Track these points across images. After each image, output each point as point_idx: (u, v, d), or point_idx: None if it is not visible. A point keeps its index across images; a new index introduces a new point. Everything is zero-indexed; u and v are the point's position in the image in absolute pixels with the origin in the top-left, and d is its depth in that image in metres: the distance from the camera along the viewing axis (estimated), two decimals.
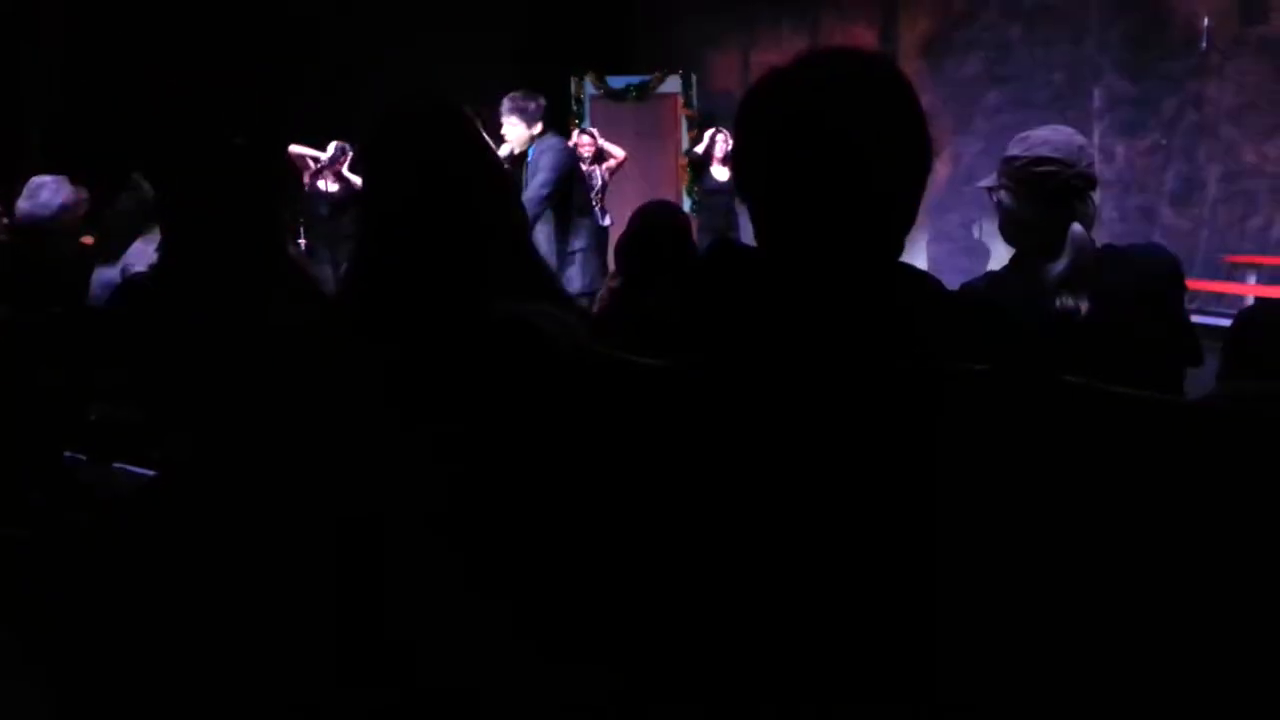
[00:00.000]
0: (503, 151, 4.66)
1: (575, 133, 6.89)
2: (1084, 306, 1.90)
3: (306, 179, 6.51)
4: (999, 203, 2.09)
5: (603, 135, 7.05)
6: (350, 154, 6.44)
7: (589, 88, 7.85)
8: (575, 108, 7.86)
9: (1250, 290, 6.42)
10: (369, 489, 1.11)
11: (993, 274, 2.13)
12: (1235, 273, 6.58)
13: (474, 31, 6.82)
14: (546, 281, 1.36)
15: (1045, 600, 0.88)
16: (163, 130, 5.45)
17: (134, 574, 1.24)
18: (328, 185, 6.54)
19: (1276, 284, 6.35)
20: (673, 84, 7.89)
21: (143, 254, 2.75)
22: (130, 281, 2.29)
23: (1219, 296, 6.32)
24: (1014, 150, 2.01)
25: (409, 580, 1.09)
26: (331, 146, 6.47)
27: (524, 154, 4.67)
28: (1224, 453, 0.82)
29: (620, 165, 6.48)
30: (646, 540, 0.98)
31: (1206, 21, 6.45)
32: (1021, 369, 0.89)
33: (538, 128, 4.67)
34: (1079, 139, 1.99)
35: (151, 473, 1.46)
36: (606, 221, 6.12)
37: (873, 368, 0.92)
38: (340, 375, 1.19)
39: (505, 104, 4.63)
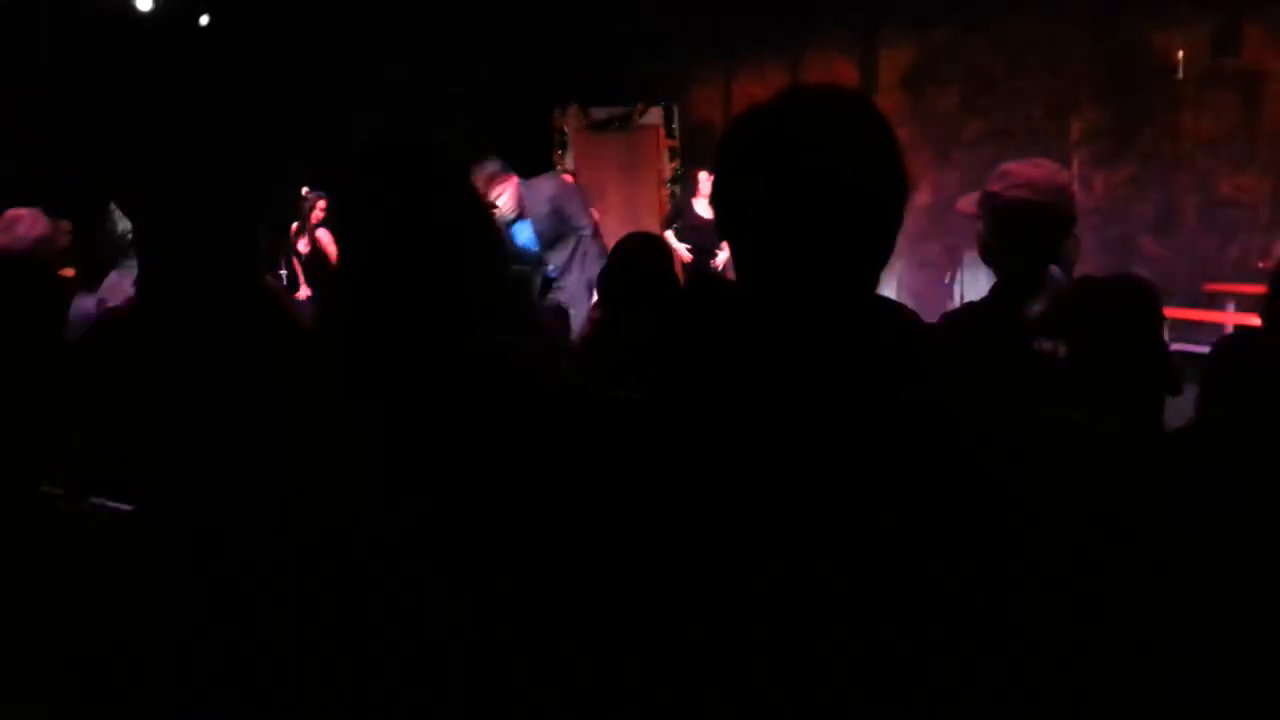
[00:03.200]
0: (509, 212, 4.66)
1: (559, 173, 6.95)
2: (1063, 350, 1.90)
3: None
4: (979, 232, 2.11)
5: (585, 166, 7.11)
6: (321, 202, 6.38)
7: (572, 120, 7.90)
8: (558, 139, 7.90)
9: (1229, 318, 6.49)
10: (347, 521, 1.10)
11: (972, 305, 2.14)
12: (1214, 301, 6.65)
13: (456, 65, 6.86)
14: (525, 315, 1.35)
15: (1028, 632, 0.87)
16: (139, 162, 5.45)
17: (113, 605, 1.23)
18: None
19: (1254, 312, 6.41)
20: (654, 115, 7.94)
21: (119, 287, 2.73)
22: (106, 315, 2.28)
23: (1198, 325, 6.38)
24: (995, 185, 2.02)
25: (386, 611, 1.08)
26: (303, 193, 6.46)
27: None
28: (1205, 481, 0.82)
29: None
30: (618, 574, 0.97)
31: (1181, 54, 6.56)
32: (1000, 403, 0.89)
33: (512, 179, 4.68)
34: (1061, 177, 2.00)
35: (129, 508, 1.44)
36: None
37: (850, 402, 0.91)
38: (318, 411, 1.18)
39: (480, 180, 4.54)
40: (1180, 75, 6.61)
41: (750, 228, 0.99)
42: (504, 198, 4.57)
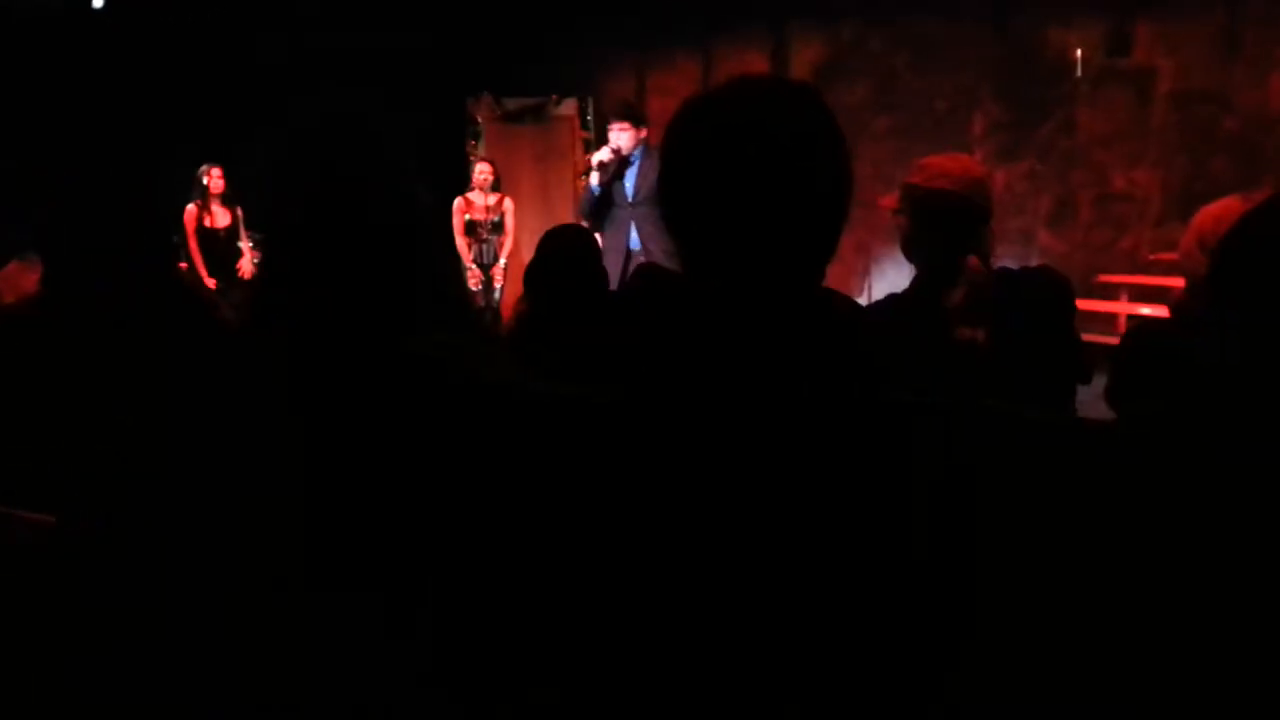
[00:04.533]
0: (605, 155, 4.98)
1: (475, 162, 6.86)
2: (981, 336, 1.95)
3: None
4: (900, 225, 2.16)
5: (499, 157, 7.02)
6: (216, 170, 6.24)
7: (485, 109, 7.80)
8: (471, 129, 7.79)
9: (1121, 308, 6.80)
10: (281, 531, 1.06)
11: (894, 297, 2.19)
12: (1107, 292, 6.95)
13: (367, 53, 6.69)
14: (461, 309, 1.33)
15: (968, 622, 0.89)
16: (45, 157, 5.17)
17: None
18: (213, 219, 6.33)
19: (1146, 302, 6.73)
20: (569, 106, 7.90)
21: (16, 280, 2.59)
22: (7, 312, 2.15)
23: (1093, 315, 6.66)
24: (915, 178, 2.07)
25: (325, 621, 1.04)
26: (203, 169, 6.26)
27: (625, 158, 4.96)
28: (1148, 476, 0.84)
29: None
30: (571, 574, 0.96)
31: (1078, 52, 6.83)
32: (952, 398, 0.91)
33: (644, 131, 4.97)
34: (978, 170, 2.06)
35: (50, 519, 1.36)
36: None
37: (802, 395, 0.92)
38: (240, 412, 1.13)
39: (618, 109, 5.13)
40: (1076, 73, 6.88)
41: (698, 219, 0.99)
42: (624, 137, 4.92)
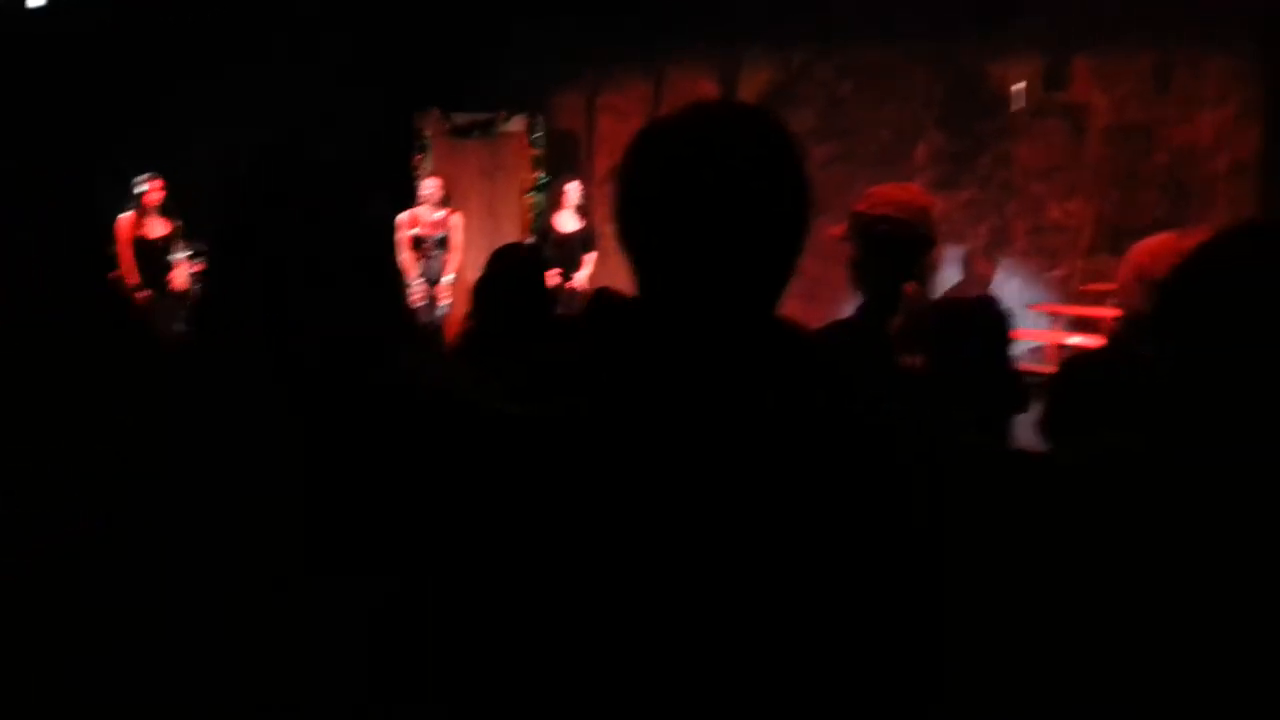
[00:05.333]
0: None
1: (422, 177, 6.81)
2: (919, 363, 1.98)
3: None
4: (847, 253, 2.19)
5: (447, 172, 6.99)
6: (157, 182, 6.14)
7: (433, 124, 7.75)
8: (419, 143, 7.73)
9: (1052, 337, 6.98)
10: (231, 531, 1.03)
11: (841, 323, 2.21)
12: (1041, 321, 7.13)
13: (315, 66, 6.61)
14: (409, 325, 1.31)
15: (930, 641, 0.90)
16: None
17: None
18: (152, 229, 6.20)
19: (1076, 331, 6.91)
20: (518, 123, 7.89)
21: None
22: None
23: (1027, 343, 6.83)
24: (861, 205, 2.11)
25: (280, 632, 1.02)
26: (141, 179, 6.13)
27: None
28: (1095, 509, 0.86)
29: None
30: (526, 594, 0.95)
31: (1016, 86, 7.02)
32: (903, 424, 0.92)
33: None
34: (923, 199, 2.10)
35: None
36: None
37: (756, 418, 0.92)
38: (182, 426, 1.11)
39: None
40: (1015, 107, 7.07)
41: (654, 243, 0.99)
42: None
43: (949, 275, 7.33)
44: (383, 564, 1.00)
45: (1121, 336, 2.00)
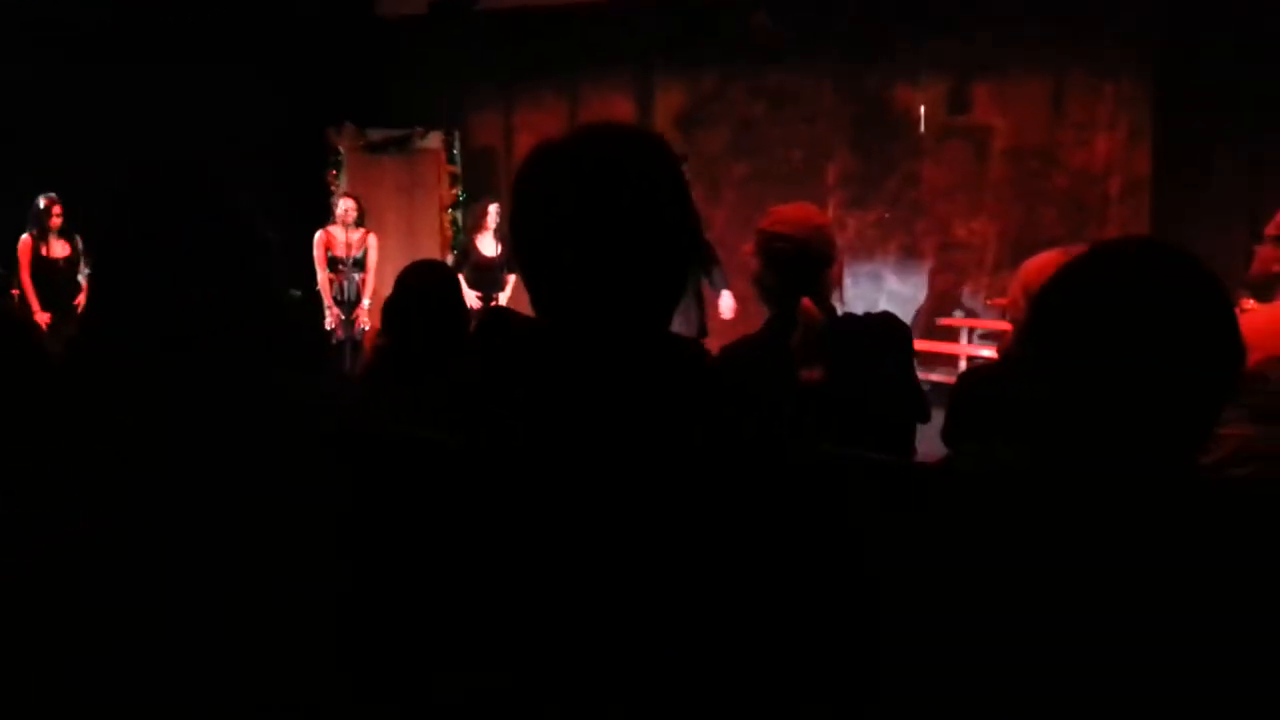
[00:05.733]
0: None
1: (337, 194, 6.70)
2: (816, 376, 2.03)
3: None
4: (754, 269, 2.24)
5: (361, 188, 6.90)
6: (57, 207, 5.95)
7: (347, 139, 7.64)
8: (332, 159, 7.61)
9: (962, 349, 7.20)
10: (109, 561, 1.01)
11: (747, 338, 2.26)
12: (948, 334, 7.35)
13: (226, 80, 6.46)
14: (306, 350, 1.30)
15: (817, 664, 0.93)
16: None
17: None
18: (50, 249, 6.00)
19: (983, 343, 7.14)
20: (434, 139, 7.83)
21: None
22: None
23: (936, 356, 7.04)
24: (763, 224, 2.17)
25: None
26: (40, 200, 5.94)
27: None
28: (990, 518, 0.90)
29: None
30: (416, 617, 0.95)
31: (922, 110, 7.25)
32: (788, 440, 0.95)
33: None
34: (819, 218, 2.15)
35: None
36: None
37: (650, 439, 0.94)
38: (75, 456, 1.08)
39: None
40: (921, 129, 7.30)
41: (547, 263, 1.00)
42: None
43: (862, 291, 7.52)
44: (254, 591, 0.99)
45: (1011, 349, 2.09)
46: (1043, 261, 2.09)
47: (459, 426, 0.99)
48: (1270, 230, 1.82)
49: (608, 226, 0.97)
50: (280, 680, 0.99)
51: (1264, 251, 1.82)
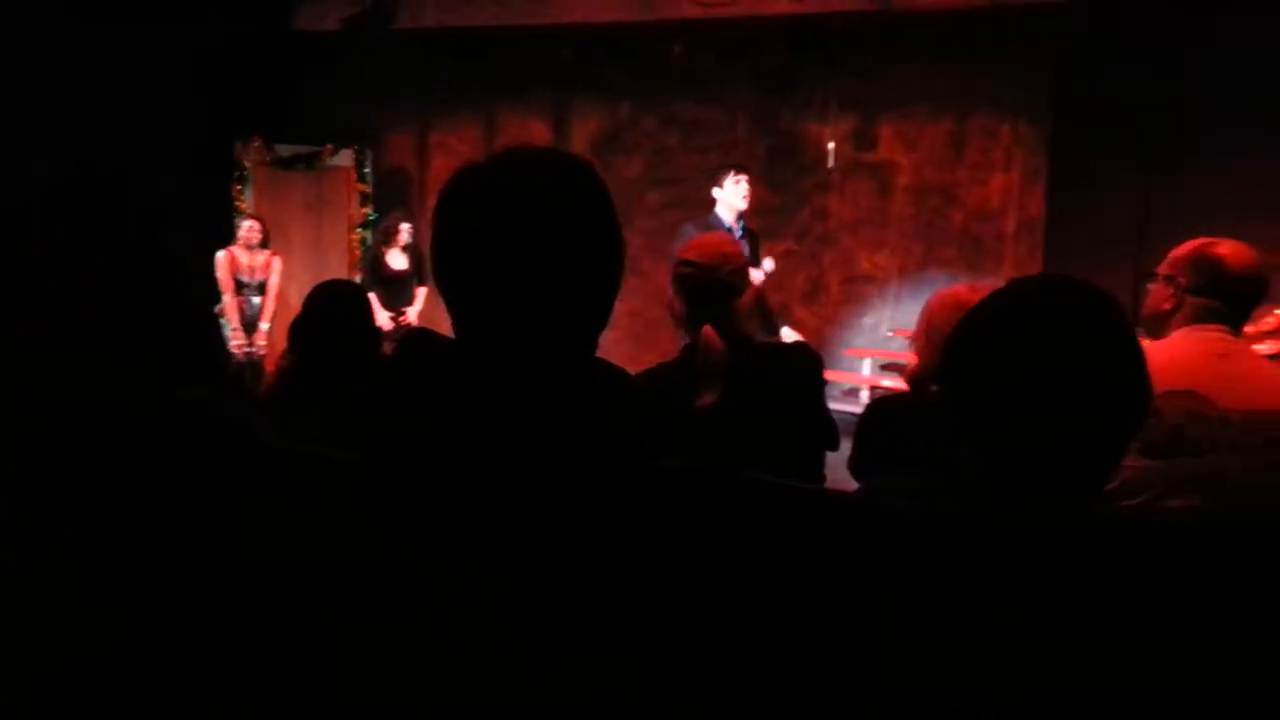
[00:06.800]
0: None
1: (242, 213, 6.52)
2: (710, 402, 2.05)
3: None
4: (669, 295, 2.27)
5: (268, 204, 6.73)
6: None
7: (254, 154, 7.44)
8: (238, 173, 7.41)
9: (864, 380, 7.39)
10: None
11: (663, 364, 2.28)
12: (853, 364, 7.54)
13: (128, 90, 6.23)
14: (217, 371, 1.26)
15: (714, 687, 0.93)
16: None
17: None
18: None
19: (886, 374, 7.34)
20: (345, 157, 7.70)
21: None
22: None
23: (840, 386, 7.20)
24: (677, 251, 2.20)
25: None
26: None
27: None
28: (897, 550, 0.92)
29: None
30: (312, 642, 0.93)
31: (831, 145, 7.45)
32: (704, 466, 0.95)
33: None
34: (728, 246, 2.18)
35: None
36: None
37: (570, 465, 0.94)
38: None
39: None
40: (829, 164, 7.50)
41: (471, 285, 0.99)
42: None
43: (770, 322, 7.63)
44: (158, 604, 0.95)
45: (917, 380, 2.15)
46: (942, 297, 2.17)
47: (377, 447, 0.97)
48: (1162, 269, 1.91)
49: (534, 249, 0.96)
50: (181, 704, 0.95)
51: (1156, 290, 1.91)
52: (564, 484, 0.92)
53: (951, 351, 1.02)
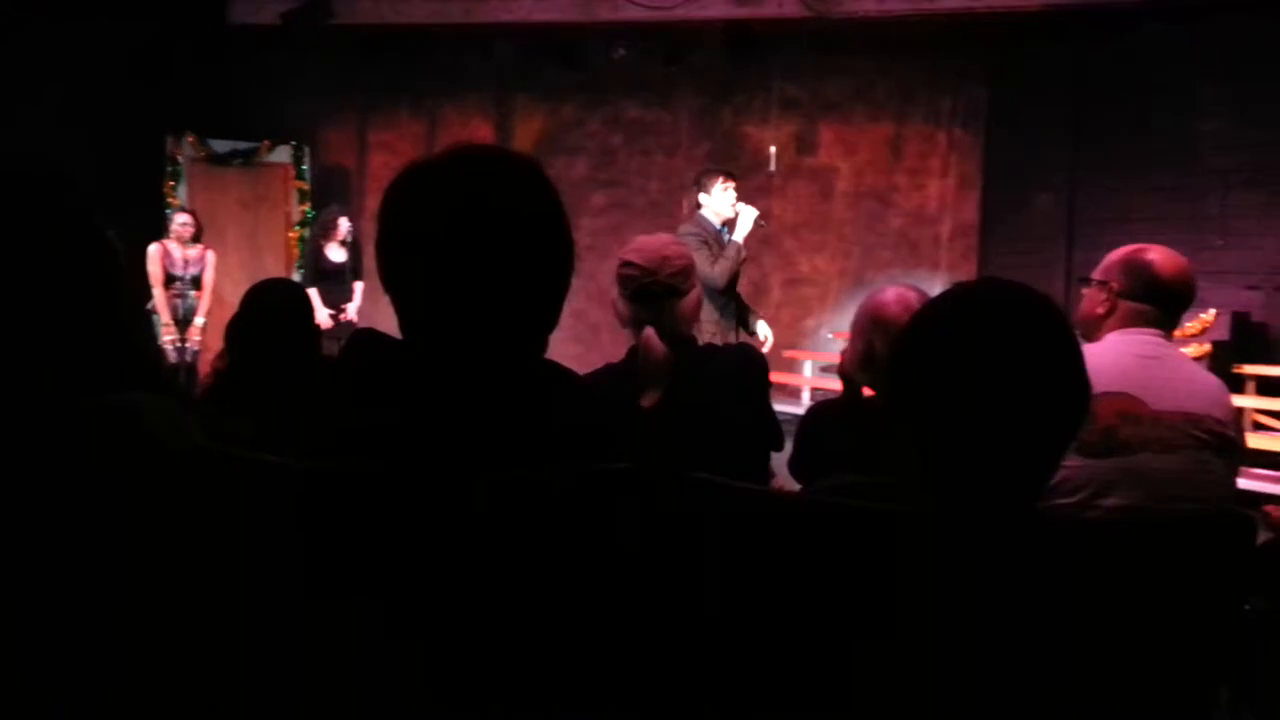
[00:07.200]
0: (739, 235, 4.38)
1: (174, 208, 6.35)
2: (650, 403, 2.04)
3: None
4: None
5: (203, 201, 6.57)
6: None
7: (188, 149, 7.26)
8: (171, 169, 7.21)
9: (804, 381, 7.47)
10: None
11: (609, 366, 2.27)
12: (794, 366, 7.61)
13: (58, 83, 6.03)
14: (152, 369, 1.22)
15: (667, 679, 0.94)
16: None
17: None
18: None
19: (825, 375, 7.43)
20: (283, 153, 7.54)
21: None
22: None
23: (782, 387, 7.27)
24: (621, 252, 2.18)
25: None
26: None
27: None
28: (835, 544, 0.93)
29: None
30: (249, 643, 0.91)
31: (773, 149, 7.52)
32: (651, 467, 0.95)
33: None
34: (671, 249, 2.16)
35: None
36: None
37: (511, 463, 0.93)
38: None
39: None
40: (771, 168, 7.57)
41: (419, 284, 0.98)
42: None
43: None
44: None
45: (851, 382, 2.17)
46: (877, 297, 2.18)
47: (323, 450, 0.95)
48: (1095, 275, 1.96)
49: (484, 248, 0.95)
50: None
51: (1090, 294, 1.95)
52: (519, 488, 0.92)
53: (898, 353, 1.03)
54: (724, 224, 4.55)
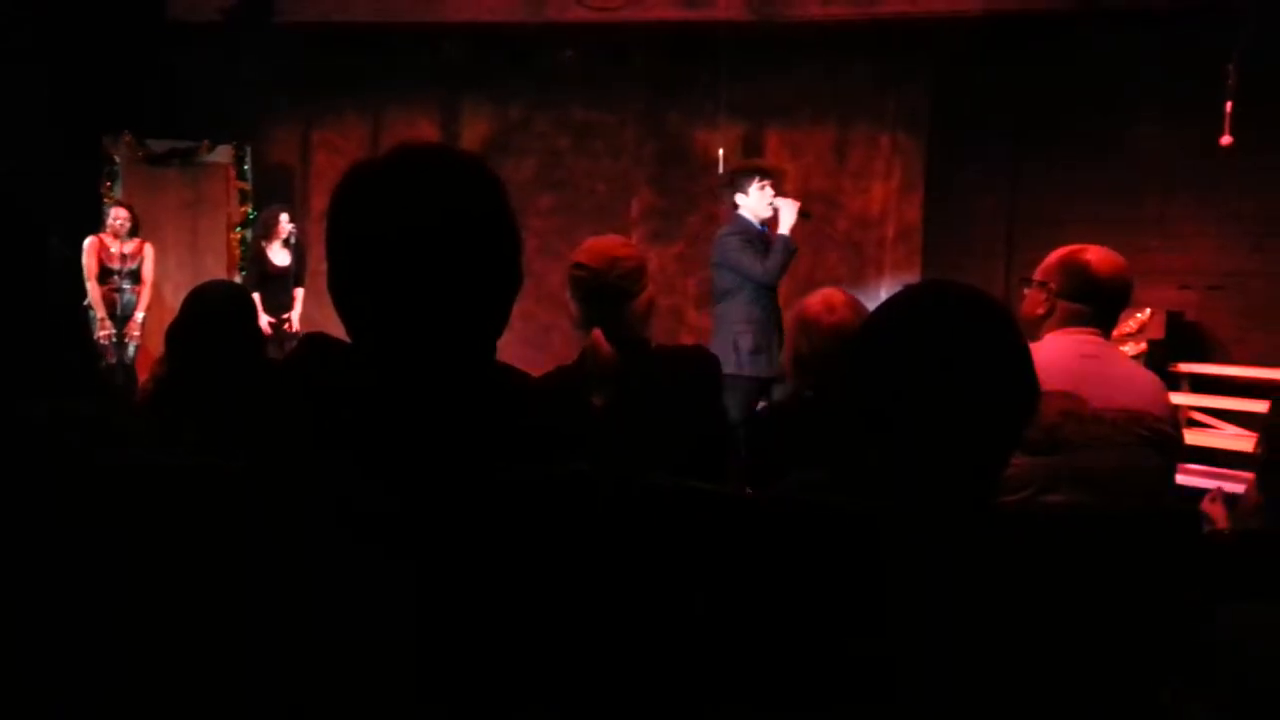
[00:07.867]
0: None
1: (111, 207, 6.19)
2: (599, 403, 2.05)
3: None
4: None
5: (141, 201, 6.42)
6: None
7: (124, 149, 7.08)
8: (107, 168, 7.02)
9: None
10: None
11: (562, 368, 2.27)
12: None
13: None
14: (90, 375, 1.19)
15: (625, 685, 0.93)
16: None
17: None
18: None
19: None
20: (223, 153, 7.39)
21: None
22: None
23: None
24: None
25: None
26: None
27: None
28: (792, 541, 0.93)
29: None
30: (186, 654, 0.89)
31: (720, 152, 7.56)
32: (602, 468, 0.95)
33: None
34: (620, 251, 2.17)
35: None
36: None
37: (466, 470, 0.92)
38: None
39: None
40: (720, 170, 7.61)
41: (367, 287, 0.97)
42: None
43: (664, 323, 7.70)
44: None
45: (795, 384, 2.19)
46: (816, 299, 2.21)
47: (269, 456, 0.94)
48: (1035, 275, 2.00)
49: (433, 250, 0.95)
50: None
51: (1030, 295, 2.00)
52: (462, 489, 0.91)
53: (851, 354, 1.04)
54: (763, 222, 4.51)
